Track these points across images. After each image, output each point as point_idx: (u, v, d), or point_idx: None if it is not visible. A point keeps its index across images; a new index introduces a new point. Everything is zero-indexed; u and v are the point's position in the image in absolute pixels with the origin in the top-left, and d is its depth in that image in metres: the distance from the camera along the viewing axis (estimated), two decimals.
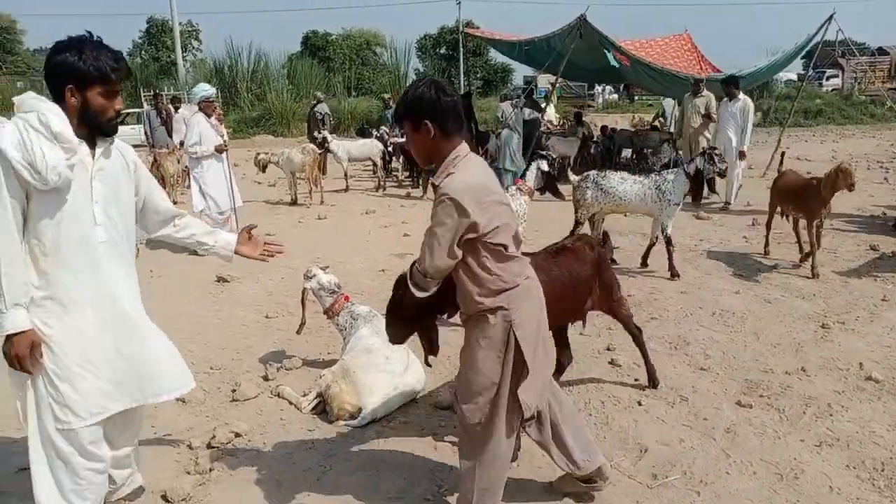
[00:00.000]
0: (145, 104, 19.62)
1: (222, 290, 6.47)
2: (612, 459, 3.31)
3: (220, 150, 7.88)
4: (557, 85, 19.22)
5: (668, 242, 6.47)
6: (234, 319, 5.55)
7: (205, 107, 7.89)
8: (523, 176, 6.02)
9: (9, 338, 2.31)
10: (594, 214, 6.79)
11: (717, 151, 6.53)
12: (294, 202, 11.33)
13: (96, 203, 2.42)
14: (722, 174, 6.61)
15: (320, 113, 15.01)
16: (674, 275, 6.42)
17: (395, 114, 2.76)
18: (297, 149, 11.52)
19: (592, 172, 6.79)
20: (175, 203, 11.05)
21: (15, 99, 2.38)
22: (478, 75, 44.72)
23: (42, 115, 2.27)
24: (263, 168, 11.66)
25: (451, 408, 3.87)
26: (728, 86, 10.21)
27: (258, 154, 11.82)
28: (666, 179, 6.41)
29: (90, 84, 2.32)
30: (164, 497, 3.05)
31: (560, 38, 12.86)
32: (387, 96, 18.19)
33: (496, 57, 41.90)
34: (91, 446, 2.51)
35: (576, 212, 6.85)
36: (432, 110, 2.42)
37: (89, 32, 2.42)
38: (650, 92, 15.07)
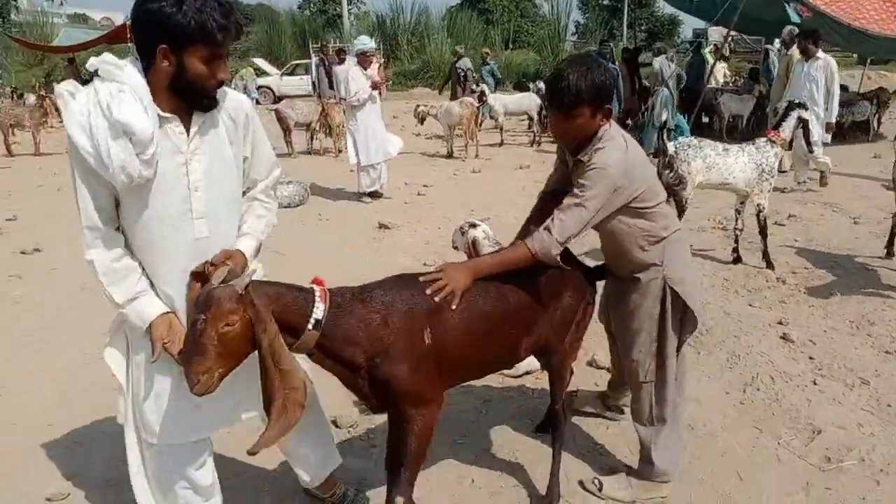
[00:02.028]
0: (313, 56, 20.45)
1: (384, 236, 6.75)
2: (781, 437, 3.14)
3: (374, 86, 8.00)
4: (731, 38, 17.80)
5: None
6: (394, 266, 5.77)
7: (361, 60, 8.09)
8: (776, 127, 5.37)
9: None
10: None
11: None
12: (450, 155, 11.50)
13: (195, 192, 1.96)
14: None
15: (462, 69, 14.92)
16: None
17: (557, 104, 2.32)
18: (456, 102, 11.68)
19: None
20: (339, 153, 11.66)
21: (90, 62, 1.87)
22: (642, 27, 42.60)
23: (113, 92, 1.78)
24: (422, 120, 11.96)
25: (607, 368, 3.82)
26: (802, 40, 8.06)
27: (418, 106, 12.17)
28: None
29: (190, 44, 1.79)
30: (333, 422, 3.28)
31: None
32: (486, 51, 17.86)
33: (663, 7, 39.66)
34: (183, 467, 2.17)
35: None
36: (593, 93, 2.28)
37: None
38: (839, 48, 13.54)
